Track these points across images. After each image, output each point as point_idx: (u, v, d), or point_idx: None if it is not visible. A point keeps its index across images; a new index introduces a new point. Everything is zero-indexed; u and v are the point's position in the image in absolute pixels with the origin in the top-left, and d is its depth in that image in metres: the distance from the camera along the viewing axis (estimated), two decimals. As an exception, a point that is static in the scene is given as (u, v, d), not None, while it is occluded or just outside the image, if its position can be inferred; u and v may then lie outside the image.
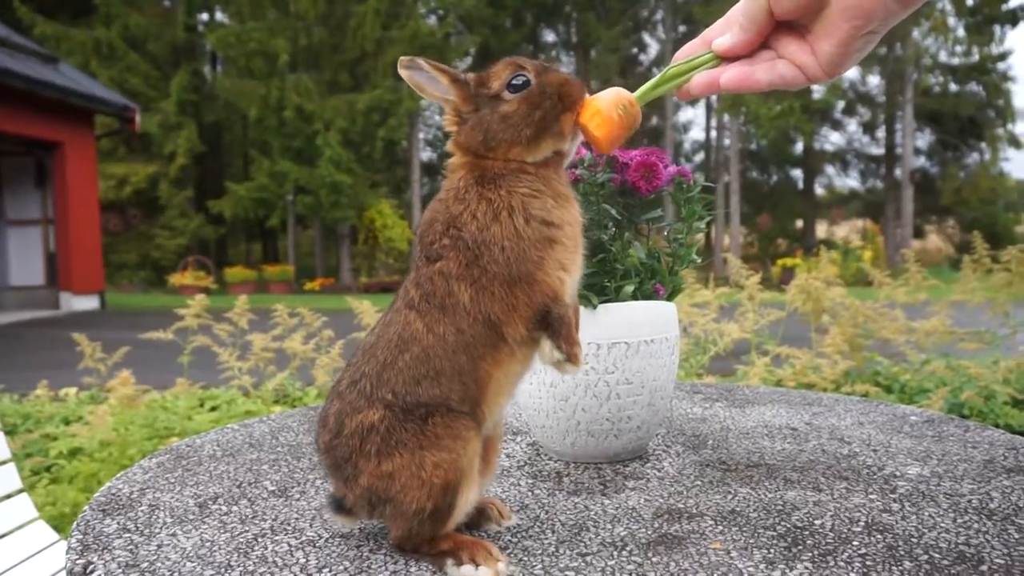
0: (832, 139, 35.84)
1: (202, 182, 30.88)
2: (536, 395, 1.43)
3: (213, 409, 4.56)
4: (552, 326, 0.98)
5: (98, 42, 26.12)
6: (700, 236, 1.48)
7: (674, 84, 1.01)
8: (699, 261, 1.50)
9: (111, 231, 27.58)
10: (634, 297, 1.40)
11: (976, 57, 29.29)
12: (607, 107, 0.98)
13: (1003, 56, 29.38)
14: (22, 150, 16.95)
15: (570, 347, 0.98)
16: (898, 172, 31.04)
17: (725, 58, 0.99)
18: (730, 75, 0.97)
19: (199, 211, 29.35)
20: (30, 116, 15.55)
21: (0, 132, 15.12)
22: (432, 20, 29.29)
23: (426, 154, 31.62)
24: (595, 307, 1.35)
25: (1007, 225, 29.75)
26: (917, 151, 32.30)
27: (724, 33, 0.98)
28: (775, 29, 0.96)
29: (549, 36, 35.08)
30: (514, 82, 1.00)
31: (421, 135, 30.72)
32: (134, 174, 27.64)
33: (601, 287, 1.39)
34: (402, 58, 1.01)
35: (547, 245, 0.98)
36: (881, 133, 33.42)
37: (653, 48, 34.17)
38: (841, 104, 32.43)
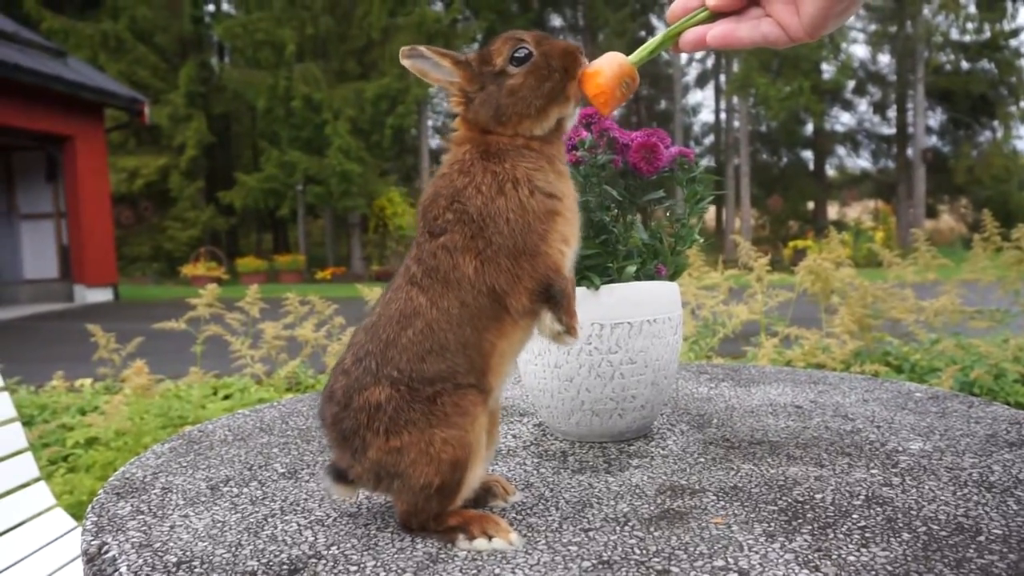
0: (843, 119, 35.46)
1: (212, 173, 30.93)
2: (541, 376, 1.44)
3: (227, 397, 4.60)
4: (554, 298, 1.00)
5: (106, 35, 26.13)
6: (698, 217, 1.49)
7: (670, 43, 1.04)
8: (701, 241, 1.51)
9: (123, 224, 27.70)
10: (636, 277, 1.41)
11: (988, 34, 28.92)
12: (612, 85, 1.02)
13: (1015, 33, 29.01)
14: (33, 144, 17.01)
15: (570, 319, 1.01)
16: (910, 152, 30.75)
17: (718, 14, 1.01)
18: (715, 32, 1.00)
19: (210, 202, 29.42)
20: (40, 111, 15.60)
21: (11, 127, 15.19)
22: (438, 6, 29.15)
23: (435, 141, 31.50)
24: (597, 288, 1.36)
25: (1020, 203, 29.41)
26: (929, 130, 31.99)
27: None
28: None
29: (556, 20, 34.89)
30: (516, 55, 1.03)
31: (430, 122, 30.66)
32: (145, 167, 27.71)
33: (603, 268, 1.40)
34: (403, 48, 1.03)
35: (551, 218, 1.00)
36: (892, 113, 33.08)
37: (660, 30, 33.81)
38: (851, 84, 32.13)
